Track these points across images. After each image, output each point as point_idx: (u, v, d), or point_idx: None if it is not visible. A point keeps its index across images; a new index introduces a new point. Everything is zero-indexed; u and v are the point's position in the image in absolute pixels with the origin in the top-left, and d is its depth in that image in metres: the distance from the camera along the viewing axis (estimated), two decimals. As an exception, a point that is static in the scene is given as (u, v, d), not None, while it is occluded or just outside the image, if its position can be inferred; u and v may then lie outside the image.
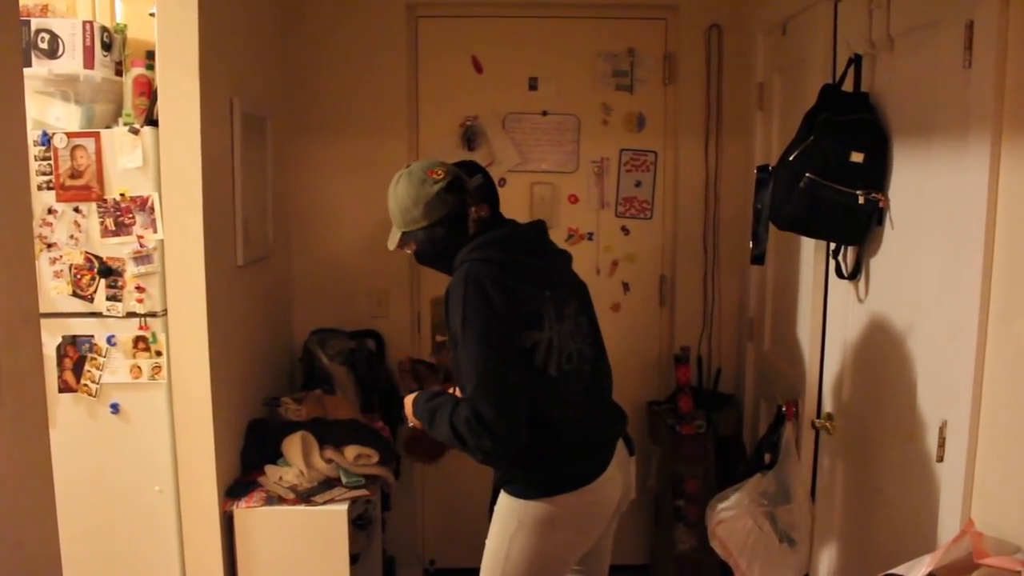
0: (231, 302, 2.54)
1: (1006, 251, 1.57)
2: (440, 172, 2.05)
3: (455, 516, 3.35)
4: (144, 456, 2.43)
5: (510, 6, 3.25)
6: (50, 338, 2.35)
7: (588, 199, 3.34)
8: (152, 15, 2.30)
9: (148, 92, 2.38)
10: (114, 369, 2.39)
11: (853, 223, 2.09)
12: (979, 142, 1.62)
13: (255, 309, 2.82)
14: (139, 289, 2.37)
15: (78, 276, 2.38)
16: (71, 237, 2.36)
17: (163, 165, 2.32)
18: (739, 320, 3.28)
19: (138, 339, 2.39)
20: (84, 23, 2.32)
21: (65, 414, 2.40)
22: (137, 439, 2.42)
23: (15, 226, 1.42)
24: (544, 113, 3.30)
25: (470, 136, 3.27)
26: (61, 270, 2.37)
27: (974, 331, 1.63)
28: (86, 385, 2.40)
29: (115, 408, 2.41)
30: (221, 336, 2.43)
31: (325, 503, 2.47)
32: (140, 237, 2.36)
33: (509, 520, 2.00)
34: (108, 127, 2.39)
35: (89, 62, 2.33)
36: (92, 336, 2.39)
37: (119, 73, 2.44)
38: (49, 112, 2.39)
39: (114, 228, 2.36)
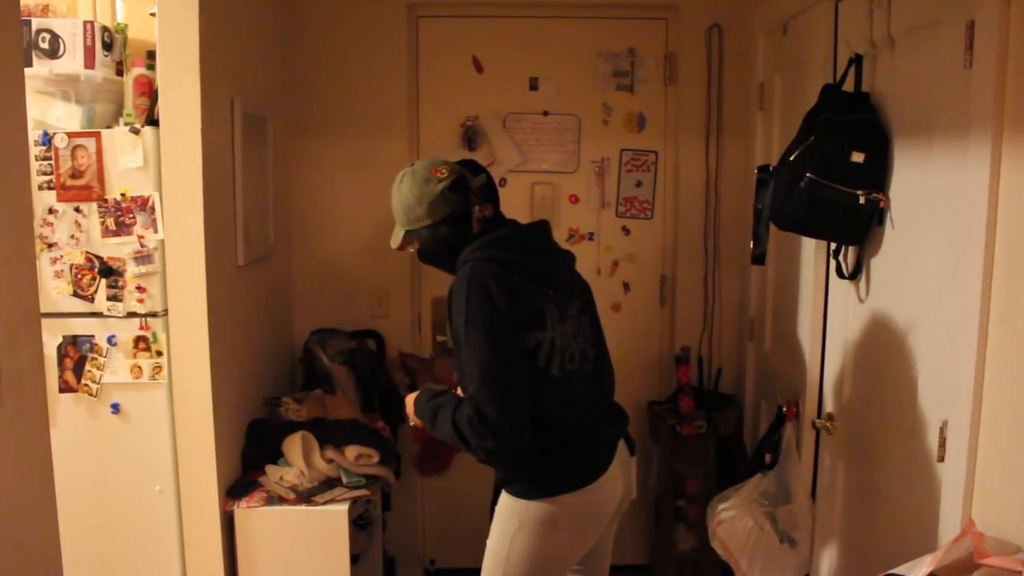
0: (232, 302, 2.54)
1: (1007, 251, 1.57)
2: (444, 171, 2.05)
3: (455, 516, 3.35)
4: (145, 456, 2.43)
5: (511, 6, 3.25)
6: (51, 338, 2.35)
7: (589, 199, 3.34)
8: (153, 15, 2.30)
9: (149, 92, 2.38)
10: (115, 369, 2.39)
11: (854, 223, 2.09)
12: (980, 142, 1.62)
13: (256, 309, 2.82)
14: (140, 289, 2.37)
15: (79, 276, 2.38)
16: (72, 237, 2.37)
17: (164, 165, 2.32)
18: (740, 320, 3.28)
19: (139, 339, 2.39)
20: (85, 23, 2.32)
21: (66, 414, 2.40)
22: (138, 439, 2.42)
23: (16, 226, 1.42)
24: (545, 113, 3.30)
25: (471, 136, 3.28)
26: (62, 270, 2.37)
27: (975, 331, 1.63)
28: (87, 385, 2.40)
29: (116, 408, 2.41)
30: (222, 336, 2.44)
31: (326, 503, 2.47)
32: (141, 237, 2.36)
33: (510, 520, 2.00)
34: (109, 127, 2.39)
35: (90, 62, 2.33)
36: (93, 336, 2.39)
37: (120, 73, 2.44)
38: (50, 112, 2.39)
39: (115, 228, 2.36)
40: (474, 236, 2.04)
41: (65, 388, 2.40)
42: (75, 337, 2.39)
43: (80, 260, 2.37)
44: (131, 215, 2.35)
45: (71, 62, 2.31)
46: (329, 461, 2.55)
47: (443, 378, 2.34)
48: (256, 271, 2.79)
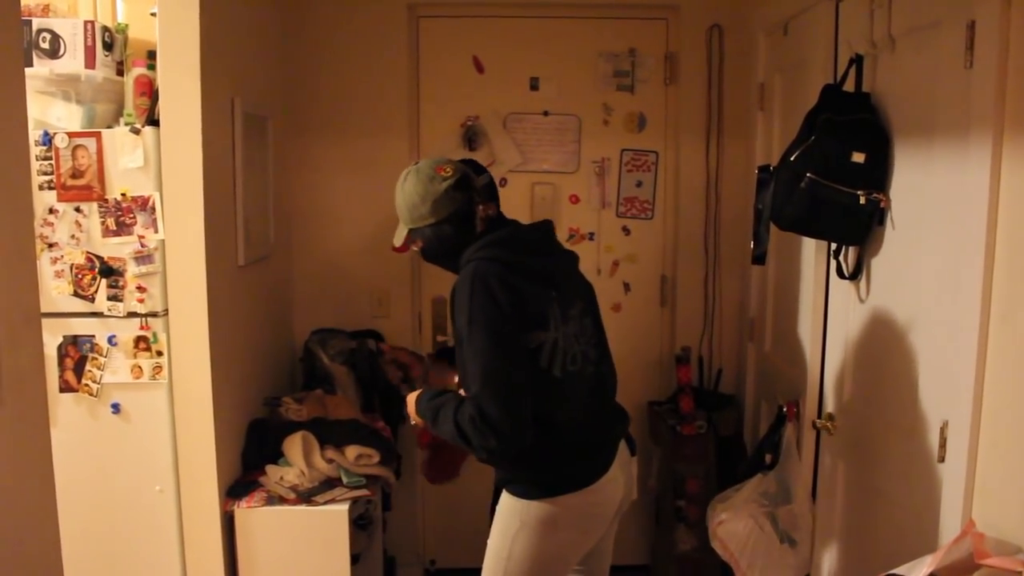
0: (232, 302, 2.54)
1: (1007, 251, 1.57)
2: (448, 169, 2.05)
3: (456, 516, 3.35)
4: (145, 456, 2.43)
5: (511, 6, 3.25)
6: (51, 338, 2.35)
7: (589, 199, 3.34)
8: (153, 15, 2.30)
9: (149, 92, 2.38)
10: (115, 369, 2.39)
11: (854, 223, 2.09)
12: (980, 142, 1.62)
13: (256, 309, 2.82)
14: (140, 289, 2.37)
15: (79, 276, 2.38)
16: (72, 237, 2.37)
17: (164, 165, 2.32)
18: (740, 320, 3.28)
19: (139, 339, 2.39)
20: (85, 23, 2.32)
21: (66, 414, 2.40)
22: (138, 439, 2.42)
23: (16, 226, 1.42)
24: (545, 113, 3.30)
25: (471, 136, 3.28)
26: (62, 270, 2.37)
27: (975, 331, 1.63)
28: (87, 385, 2.40)
29: (116, 408, 2.41)
30: (222, 336, 2.44)
31: (326, 503, 2.47)
32: (141, 237, 2.36)
33: (511, 520, 2.00)
34: (109, 127, 2.39)
35: (90, 62, 2.33)
36: (93, 336, 2.39)
37: (120, 73, 2.44)
38: (50, 112, 2.39)
39: (115, 228, 2.36)
40: (477, 235, 2.04)
41: (65, 388, 2.40)
42: (75, 337, 2.39)
43: (80, 260, 2.37)
44: (131, 215, 2.35)
45: (72, 62, 2.31)
46: (329, 461, 2.55)
47: (435, 386, 2.34)
48: (256, 271, 2.79)
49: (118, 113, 2.43)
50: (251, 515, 2.46)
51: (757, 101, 3.03)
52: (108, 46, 2.39)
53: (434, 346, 3.33)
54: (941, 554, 1.47)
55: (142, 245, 2.36)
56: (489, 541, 2.07)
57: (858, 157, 2.03)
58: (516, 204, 3.17)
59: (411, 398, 2.13)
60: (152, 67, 2.37)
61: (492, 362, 1.85)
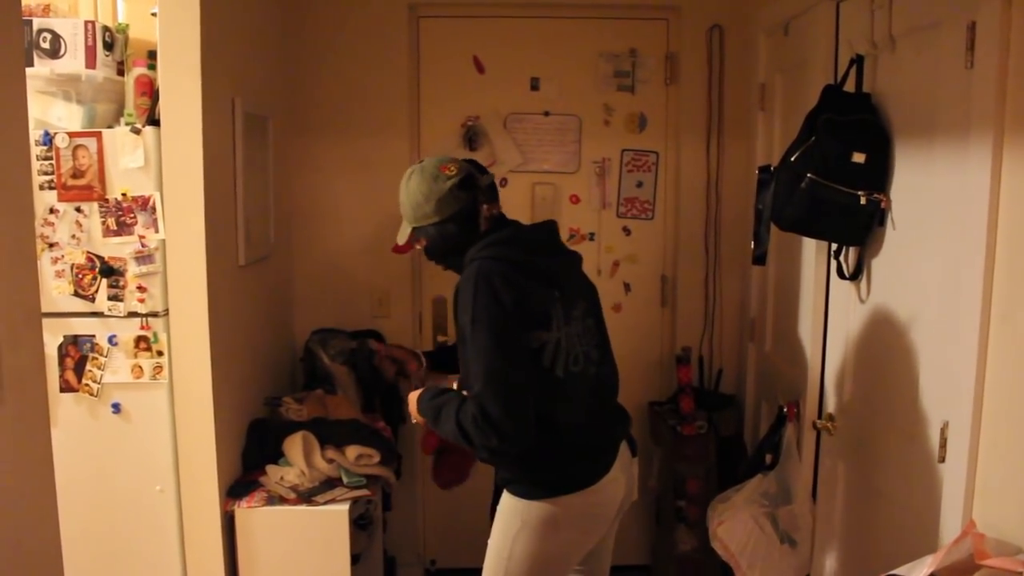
0: (232, 302, 2.54)
1: (1008, 252, 1.57)
2: (453, 168, 2.05)
3: (456, 516, 3.35)
4: (145, 456, 2.43)
5: (512, 6, 3.25)
6: (51, 338, 2.35)
7: (589, 199, 3.34)
8: (154, 15, 2.30)
9: (150, 92, 2.38)
10: (115, 369, 2.39)
11: (854, 224, 2.09)
12: (981, 143, 1.62)
13: (256, 309, 2.82)
14: (140, 289, 2.37)
15: (80, 276, 2.38)
16: (73, 237, 2.37)
17: (165, 165, 2.32)
18: (740, 320, 3.28)
19: (139, 339, 2.39)
20: (86, 23, 2.32)
21: (66, 414, 2.40)
22: (138, 439, 2.42)
23: (17, 226, 1.42)
24: (546, 113, 3.30)
25: (472, 136, 3.28)
26: (63, 270, 2.37)
27: (976, 331, 1.63)
28: (87, 385, 2.40)
29: (116, 408, 2.41)
30: (222, 336, 2.44)
31: (326, 503, 2.47)
32: (142, 237, 2.36)
33: (512, 520, 2.00)
34: (110, 127, 2.39)
35: (91, 62, 2.33)
36: (93, 336, 2.39)
37: (121, 73, 2.44)
38: (51, 112, 2.39)
39: (116, 228, 2.36)
40: (481, 234, 2.04)
41: (66, 388, 2.40)
42: (76, 337, 2.39)
43: (81, 260, 2.37)
44: (132, 215, 2.35)
45: (72, 62, 2.31)
46: (330, 461, 2.55)
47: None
48: (257, 271, 2.79)
49: (119, 113, 2.43)
50: (251, 515, 2.46)
51: (758, 101, 3.03)
52: (109, 46, 2.39)
53: (435, 345, 3.33)
54: (941, 555, 1.47)
55: (143, 245, 2.36)
56: (490, 541, 2.07)
57: (859, 157, 2.03)
58: (517, 204, 3.17)
59: (412, 397, 2.13)
60: (153, 67, 2.37)
61: (494, 361, 1.85)
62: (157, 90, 2.33)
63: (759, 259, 2.52)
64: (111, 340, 2.39)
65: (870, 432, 2.19)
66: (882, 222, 2.07)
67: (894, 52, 2.04)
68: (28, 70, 2.16)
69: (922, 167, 1.91)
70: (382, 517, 3.08)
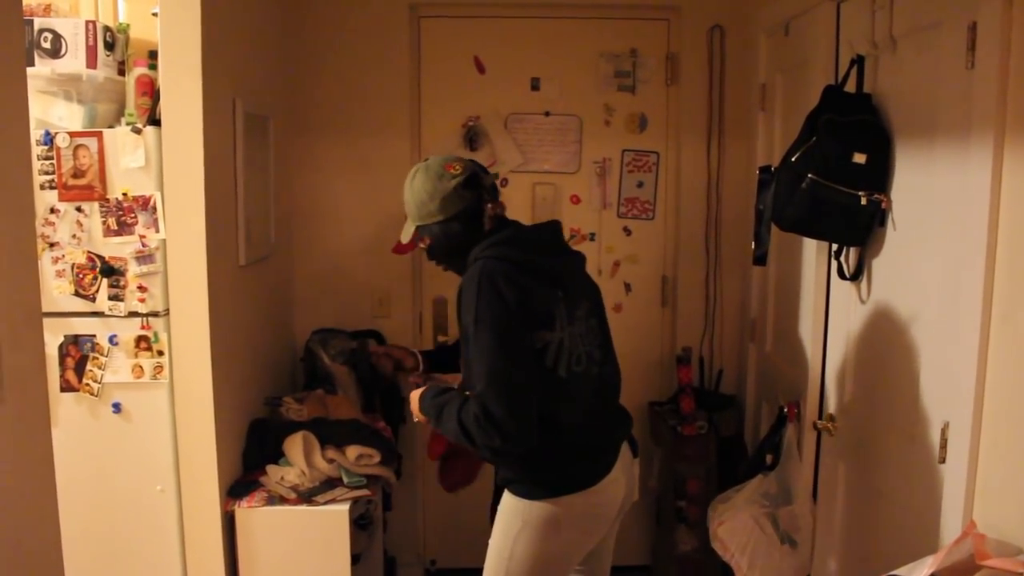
0: (233, 302, 2.54)
1: (1008, 252, 1.57)
2: (458, 167, 2.05)
3: (456, 516, 3.35)
4: (146, 456, 2.43)
5: (512, 6, 3.25)
6: (52, 337, 2.35)
7: (590, 200, 3.34)
8: (155, 15, 2.30)
9: (151, 92, 2.38)
10: (116, 369, 2.39)
11: (855, 224, 2.09)
12: (982, 143, 1.62)
13: (257, 309, 2.82)
14: (141, 289, 2.37)
15: (80, 275, 2.38)
16: (73, 236, 2.37)
17: (165, 165, 2.32)
18: (741, 321, 3.28)
19: (140, 339, 2.39)
20: (87, 23, 2.32)
21: (67, 413, 2.40)
22: (139, 439, 2.42)
23: (18, 225, 1.42)
24: (546, 114, 3.30)
25: (472, 136, 3.28)
26: (63, 269, 2.37)
27: (976, 332, 1.62)
28: (88, 384, 2.40)
29: (117, 408, 2.41)
30: (223, 336, 2.44)
31: (326, 503, 2.47)
32: (142, 237, 2.36)
33: (513, 520, 2.00)
34: (111, 127, 2.39)
35: (92, 62, 2.33)
36: (94, 335, 2.39)
37: (122, 73, 2.45)
38: (52, 111, 2.39)
39: (116, 228, 2.36)
40: (485, 234, 2.04)
41: (66, 387, 2.40)
42: (76, 336, 2.39)
43: (82, 260, 2.37)
44: (133, 215, 2.35)
45: (73, 62, 2.31)
46: (330, 461, 2.55)
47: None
48: (257, 271, 2.79)
49: (119, 113, 2.43)
50: (252, 515, 2.46)
51: (758, 102, 3.03)
52: (109, 46, 2.39)
53: (435, 345, 3.33)
54: (942, 555, 1.47)
55: (143, 245, 2.36)
56: (491, 541, 2.07)
57: (859, 158, 2.03)
58: (517, 204, 3.17)
59: (414, 395, 2.13)
60: (153, 67, 2.37)
61: (497, 361, 1.85)
62: (158, 90, 2.33)
63: (760, 259, 2.52)
64: (112, 340, 2.39)
65: (871, 432, 2.19)
66: (883, 222, 2.07)
67: (895, 52, 2.04)
68: (29, 70, 2.17)
69: (923, 167, 1.91)
70: (382, 517, 3.08)
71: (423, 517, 3.44)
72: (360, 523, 2.82)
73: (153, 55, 2.36)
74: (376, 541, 3.01)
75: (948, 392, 1.75)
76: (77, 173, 2.34)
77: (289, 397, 2.79)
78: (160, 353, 2.39)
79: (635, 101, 3.29)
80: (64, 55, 2.31)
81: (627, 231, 3.36)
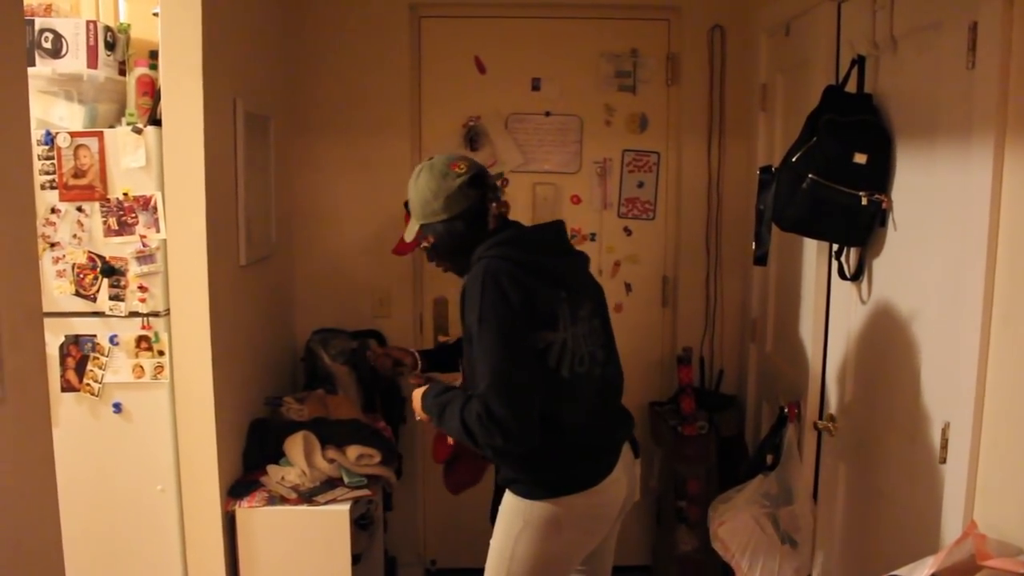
0: (234, 302, 2.55)
1: (1009, 253, 1.57)
2: (463, 166, 2.05)
3: (457, 516, 3.35)
4: (146, 455, 2.43)
5: (513, 6, 3.25)
6: (53, 337, 2.35)
7: (591, 200, 3.34)
8: (155, 15, 2.30)
9: (151, 92, 2.38)
10: (116, 368, 2.40)
11: (856, 224, 2.09)
12: (982, 143, 1.62)
13: (257, 309, 2.83)
14: (142, 289, 2.37)
15: (81, 275, 2.38)
16: (74, 236, 2.37)
17: (166, 165, 2.33)
18: (741, 321, 3.28)
19: (141, 339, 2.39)
20: (88, 23, 2.32)
21: (68, 413, 2.40)
22: (139, 439, 2.42)
23: (18, 225, 1.43)
24: (547, 114, 3.30)
25: (473, 136, 3.28)
26: (64, 269, 2.38)
27: (977, 332, 1.62)
28: (89, 384, 2.40)
29: (117, 408, 2.41)
30: (223, 336, 2.44)
31: (327, 503, 2.47)
32: (143, 237, 2.36)
33: (515, 520, 2.00)
34: (111, 127, 2.39)
35: (93, 62, 2.33)
36: (95, 335, 2.39)
37: (122, 73, 2.45)
38: (53, 111, 2.39)
39: (117, 228, 2.36)
40: (489, 233, 2.04)
41: (67, 387, 2.40)
42: (77, 336, 2.39)
43: (82, 260, 2.37)
44: (133, 215, 2.35)
45: (74, 62, 2.31)
46: (331, 461, 2.55)
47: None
48: (258, 271, 2.79)
49: (120, 113, 2.43)
50: (252, 515, 2.46)
51: (759, 102, 3.03)
52: (110, 46, 2.39)
53: (436, 347, 3.33)
54: (943, 555, 1.47)
55: (144, 245, 2.36)
56: (492, 541, 2.07)
57: (860, 158, 2.02)
58: (518, 204, 3.17)
59: (416, 394, 2.13)
60: (154, 67, 2.37)
61: (501, 361, 1.85)
62: (158, 90, 2.34)
63: (760, 259, 2.52)
64: (112, 340, 2.39)
65: (871, 433, 2.19)
66: (883, 223, 2.07)
67: (895, 53, 2.04)
68: (30, 70, 2.17)
69: (923, 168, 1.91)
70: (383, 517, 3.08)
71: (423, 517, 3.44)
72: (361, 523, 2.82)
73: (154, 55, 2.37)
74: (377, 541, 3.01)
75: (949, 392, 1.75)
76: (78, 173, 2.34)
77: (290, 397, 2.79)
78: (161, 353, 2.39)
79: (636, 101, 3.29)
80: (65, 55, 2.31)
81: (628, 231, 3.36)
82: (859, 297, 2.23)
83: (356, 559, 2.62)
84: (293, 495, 2.47)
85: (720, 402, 3.18)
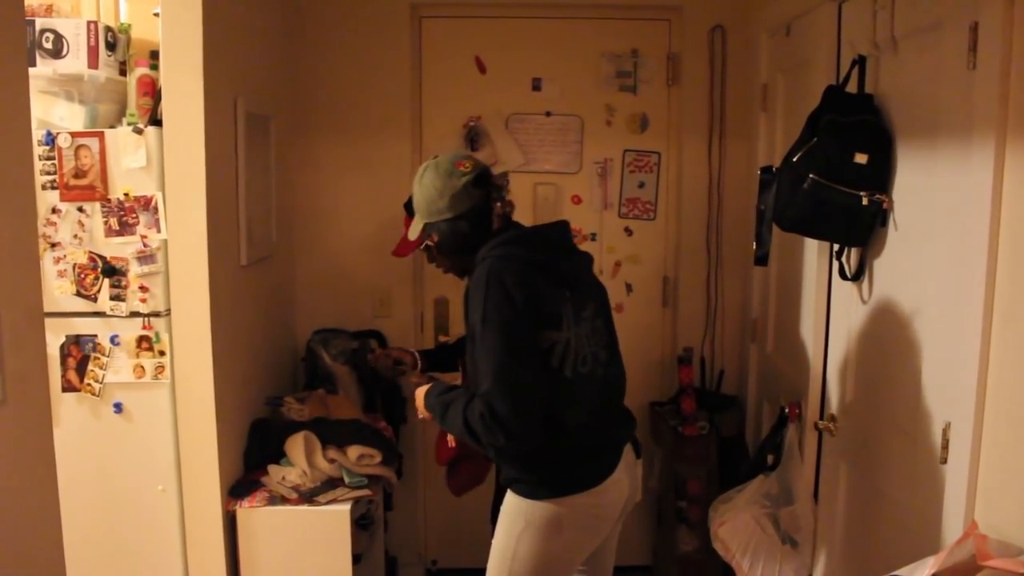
0: (234, 302, 2.55)
1: (1010, 253, 1.57)
2: (468, 165, 2.05)
3: (457, 517, 3.35)
4: (147, 455, 2.43)
5: (514, 6, 3.25)
6: (54, 337, 2.35)
7: (591, 200, 3.34)
8: (156, 15, 2.30)
9: (152, 92, 2.39)
10: (117, 369, 2.40)
11: (856, 224, 2.08)
12: (983, 144, 1.61)
13: (258, 309, 2.83)
14: (143, 289, 2.38)
15: (82, 276, 2.38)
16: (75, 237, 2.37)
17: (167, 165, 2.33)
18: (742, 321, 3.28)
19: (141, 339, 2.39)
20: (88, 23, 2.32)
21: (68, 413, 2.40)
22: (140, 439, 2.43)
23: (19, 225, 1.43)
24: (548, 114, 3.30)
25: (473, 136, 3.28)
26: (65, 269, 2.38)
27: (978, 332, 1.62)
28: (89, 384, 2.40)
29: (118, 408, 2.41)
30: (224, 336, 2.44)
31: (328, 503, 2.47)
32: (144, 237, 2.36)
33: (516, 519, 2.00)
34: (112, 127, 2.39)
35: (93, 62, 2.33)
36: (96, 336, 2.39)
37: (123, 73, 2.45)
38: (53, 112, 2.39)
39: (118, 228, 2.36)
40: (493, 233, 2.04)
41: (68, 387, 2.40)
42: (78, 337, 2.39)
43: (83, 260, 2.38)
44: (134, 215, 2.35)
45: (75, 62, 2.31)
46: (331, 461, 2.55)
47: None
48: (259, 271, 2.79)
49: (121, 113, 2.43)
50: (253, 515, 2.46)
51: (759, 102, 3.03)
52: (111, 46, 2.39)
53: (437, 346, 3.33)
54: (943, 556, 1.47)
55: (144, 245, 2.36)
56: (494, 540, 2.07)
57: (861, 158, 2.02)
58: (518, 205, 3.14)
59: (420, 392, 2.13)
60: (155, 67, 2.38)
61: (504, 360, 1.85)
62: (159, 90, 2.34)
63: (761, 260, 2.52)
64: (113, 340, 2.39)
65: (872, 433, 2.19)
66: (884, 223, 2.07)
67: (896, 53, 2.04)
68: (31, 70, 2.17)
69: (924, 168, 1.91)
70: (383, 517, 3.08)
71: (424, 517, 3.44)
72: (361, 523, 2.82)
73: (154, 55, 2.37)
74: (377, 541, 3.01)
75: (949, 392, 1.75)
76: (79, 173, 2.34)
77: (290, 397, 2.79)
78: (161, 353, 2.39)
79: (636, 101, 3.29)
80: (66, 55, 2.31)
81: (628, 231, 3.36)
82: (860, 297, 2.23)
83: (357, 559, 2.63)
84: (294, 495, 2.47)
85: (721, 402, 3.18)
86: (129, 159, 2.33)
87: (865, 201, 2.03)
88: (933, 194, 1.86)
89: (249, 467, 2.63)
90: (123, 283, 2.38)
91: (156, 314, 2.39)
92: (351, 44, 3.18)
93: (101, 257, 2.37)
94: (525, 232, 2.08)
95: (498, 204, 2.06)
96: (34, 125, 2.26)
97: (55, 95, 2.40)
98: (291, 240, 3.21)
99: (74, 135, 2.33)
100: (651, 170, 3.33)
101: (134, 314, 2.39)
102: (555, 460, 1.97)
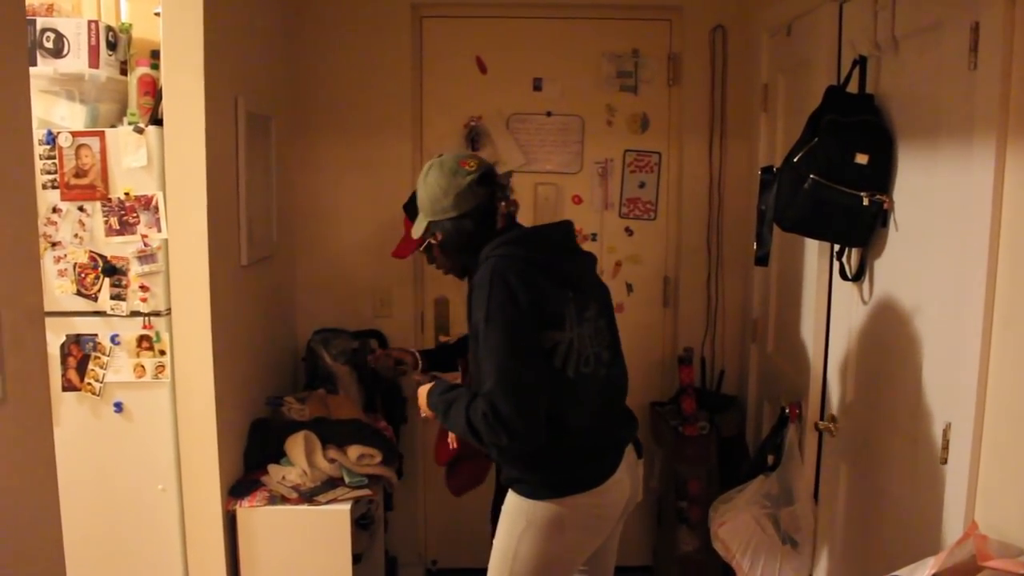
0: (235, 301, 2.55)
1: (1011, 254, 1.56)
2: (472, 164, 2.05)
3: (457, 516, 3.35)
4: (147, 455, 2.43)
5: (515, 6, 3.25)
6: (54, 337, 2.36)
7: (592, 200, 3.34)
8: (157, 15, 2.30)
9: (153, 91, 2.39)
10: (118, 368, 2.40)
11: (857, 225, 2.08)
12: (984, 144, 1.61)
13: (259, 308, 2.83)
14: (143, 288, 2.38)
15: (82, 275, 2.38)
16: (75, 236, 2.37)
17: (167, 164, 2.33)
18: (743, 321, 3.28)
19: (142, 338, 2.39)
20: (89, 22, 2.32)
21: (69, 413, 2.40)
22: (140, 438, 2.43)
23: (20, 225, 1.43)
24: (548, 114, 3.30)
25: (474, 136, 3.27)
26: (65, 269, 2.38)
27: (978, 333, 1.62)
28: (90, 384, 2.40)
29: (119, 407, 2.41)
30: (225, 335, 2.44)
31: (328, 503, 2.47)
32: (144, 236, 2.36)
33: (518, 519, 2.00)
34: (113, 126, 2.39)
35: (94, 61, 2.33)
36: (96, 335, 2.39)
37: (124, 72, 2.45)
38: (54, 111, 2.39)
39: (118, 227, 2.36)
40: (497, 232, 2.04)
41: (68, 387, 2.40)
42: (78, 336, 2.39)
43: (84, 259, 2.38)
44: (135, 214, 2.35)
45: (75, 61, 2.32)
46: (331, 461, 2.55)
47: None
48: (259, 271, 2.79)
49: (122, 112, 2.43)
50: (253, 514, 2.46)
51: (760, 102, 3.03)
52: (112, 46, 2.39)
53: (437, 346, 3.33)
54: (943, 556, 1.47)
55: (145, 244, 2.36)
56: (495, 540, 2.07)
57: (861, 159, 2.02)
58: (519, 205, 3.16)
59: (422, 391, 2.13)
60: (156, 67, 2.38)
61: (507, 360, 1.85)
62: (160, 90, 2.34)
63: (761, 260, 2.51)
64: (113, 339, 2.39)
65: (872, 433, 2.18)
66: (885, 223, 2.07)
67: (897, 53, 2.04)
68: (31, 69, 2.17)
69: (925, 168, 1.91)
70: (383, 517, 3.08)
71: (424, 517, 3.44)
72: (361, 523, 2.82)
73: (155, 55, 2.37)
74: (377, 541, 3.01)
75: (950, 393, 1.75)
76: (79, 173, 2.34)
77: (291, 397, 2.80)
78: (162, 352, 2.39)
79: (637, 101, 3.29)
80: (66, 55, 2.31)
81: (629, 231, 3.36)
82: (860, 297, 2.23)
83: (357, 559, 2.63)
84: (294, 495, 2.47)
85: (721, 402, 3.18)
86: (130, 158, 2.33)
87: (866, 201, 2.03)
88: (934, 194, 1.86)
89: (249, 467, 2.63)
90: (123, 282, 2.38)
91: (156, 313, 2.39)
92: (351, 44, 3.18)
93: (102, 256, 2.37)
94: (529, 232, 2.08)
95: (502, 203, 2.06)
96: (35, 124, 2.26)
97: (56, 94, 2.40)
98: (292, 240, 3.21)
99: (75, 134, 2.33)
100: (652, 170, 3.33)
101: (134, 313, 2.39)
102: (557, 460, 1.97)
